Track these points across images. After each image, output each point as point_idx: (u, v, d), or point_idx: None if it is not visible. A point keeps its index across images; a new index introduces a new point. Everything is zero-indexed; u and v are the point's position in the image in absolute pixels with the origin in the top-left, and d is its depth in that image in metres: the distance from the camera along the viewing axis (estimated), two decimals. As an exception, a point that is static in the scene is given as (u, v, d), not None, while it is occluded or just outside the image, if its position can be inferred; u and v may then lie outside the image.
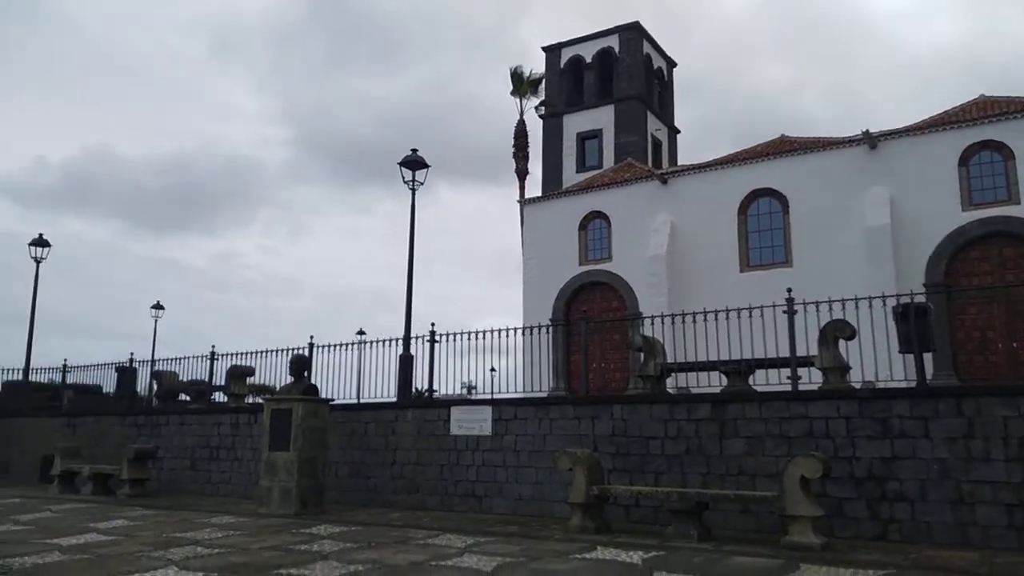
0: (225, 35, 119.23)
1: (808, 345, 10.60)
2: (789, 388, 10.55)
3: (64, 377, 19.45)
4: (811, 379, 10.60)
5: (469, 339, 13.19)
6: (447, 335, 13.56)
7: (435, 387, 13.97)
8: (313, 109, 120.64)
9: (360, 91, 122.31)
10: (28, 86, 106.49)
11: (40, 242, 20.41)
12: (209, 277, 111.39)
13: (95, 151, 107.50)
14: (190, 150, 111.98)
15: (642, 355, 11.99)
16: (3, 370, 21.84)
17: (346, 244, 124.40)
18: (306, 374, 13.20)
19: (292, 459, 11.91)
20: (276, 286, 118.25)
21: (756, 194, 26.15)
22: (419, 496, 12.55)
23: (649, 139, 35.21)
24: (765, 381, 11.06)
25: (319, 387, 13.20)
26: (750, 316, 10.86)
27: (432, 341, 13.60)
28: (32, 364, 20.60)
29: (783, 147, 26.63)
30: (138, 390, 18.84)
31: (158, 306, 29.73)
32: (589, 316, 14.10)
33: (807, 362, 10.61)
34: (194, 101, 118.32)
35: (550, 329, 14.36)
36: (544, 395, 13.51)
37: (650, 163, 33.46)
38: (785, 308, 10.80)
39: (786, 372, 10.79)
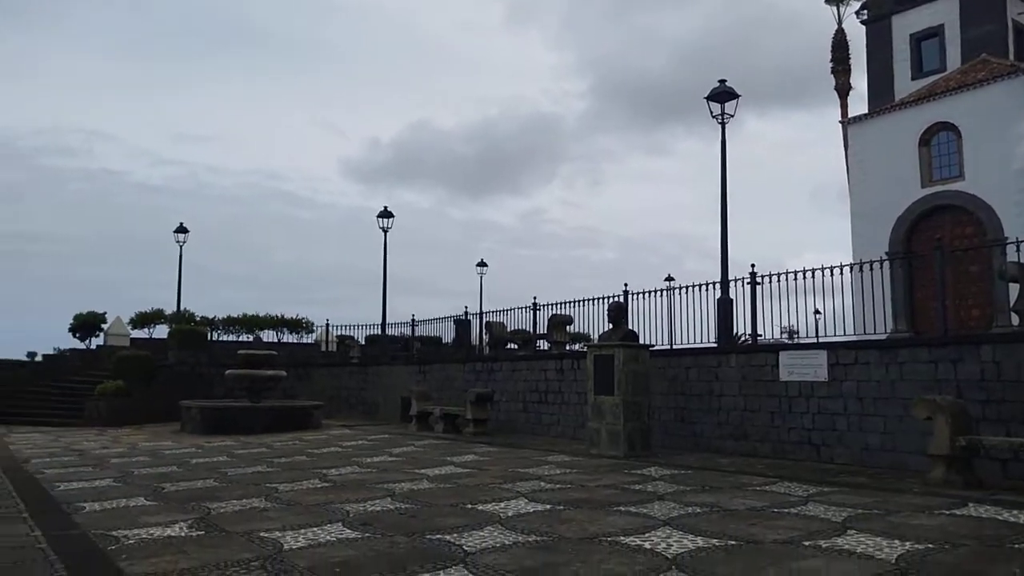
0: (517, 1, 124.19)
1: None
2: None
3: (413, 330, 22.06)
4: None
5: (795, 279, 12.26)
6: (768, 276, 12.74)
7: (757, 331, 13.27)
8: (607, 56, 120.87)
9: (653, 30, 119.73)
10: (361, 77, 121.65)
11: (385, 214, 23.26)
12: (519, 234, 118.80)
13: (417, 128, 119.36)
14: (495, 116, 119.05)
15: (1016, 286, 10.10)
16: (366, 325, 25.55)
17: (645, 189, 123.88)
18: (623, 321, 13.31)
19: (617, 403, 12.14)
20: (579, 238, 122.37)
21: None
22: (748, 443, 12.07)
23: (1010, 26, 29.03)
24: None
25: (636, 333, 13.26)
26: None
27: (753, 283, 12.88)
28: (387, 320, 23.65)
29: None
30: (472, 340, 20.72)
31: (482, 263, 32.44)
32: (941, 244, 12.26)
33: None
34: (494, 69, 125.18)
35: (891, 263, 12.78)
36: (883, 337, 12.12)
37: (1012, 56, 27.79)
38: None
39: None
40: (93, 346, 27.06)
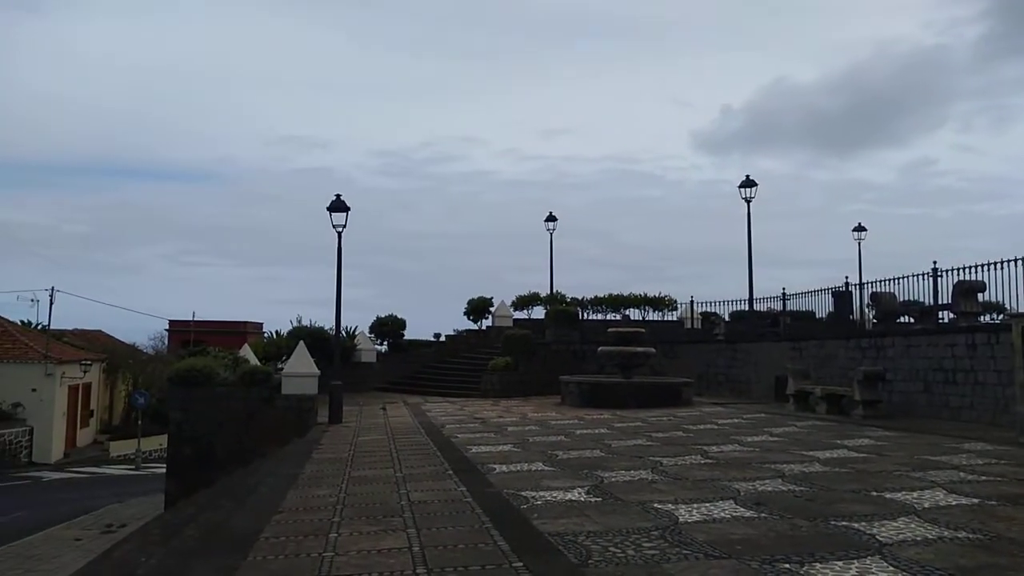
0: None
1: None
2: None
3: (784, 304, 20.86)
4: None
5: None
6: None
7: None
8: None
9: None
10: (707, 44, 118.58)
11: (747, 183, 22.26)
12: (898, 192, 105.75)
13: (772, 88, 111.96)
14: (863, 61, 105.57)
15: None
16: (729, 301, 24.86)
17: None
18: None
19: (1056, 383, 10.04)
20: (979, 190, 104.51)
21: None
22: None
23: None
24: None
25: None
26: None
27: None
28: (753, 294, 22.64)
29: None
30: (853, 313, 18.90)
31: (860, 228, 29.38)
32: None
33: None
34: (861, 10, 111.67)
35: None
36: None
37: None
38: None
39: None
40: (483, 327, 30.44)
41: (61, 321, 44.74)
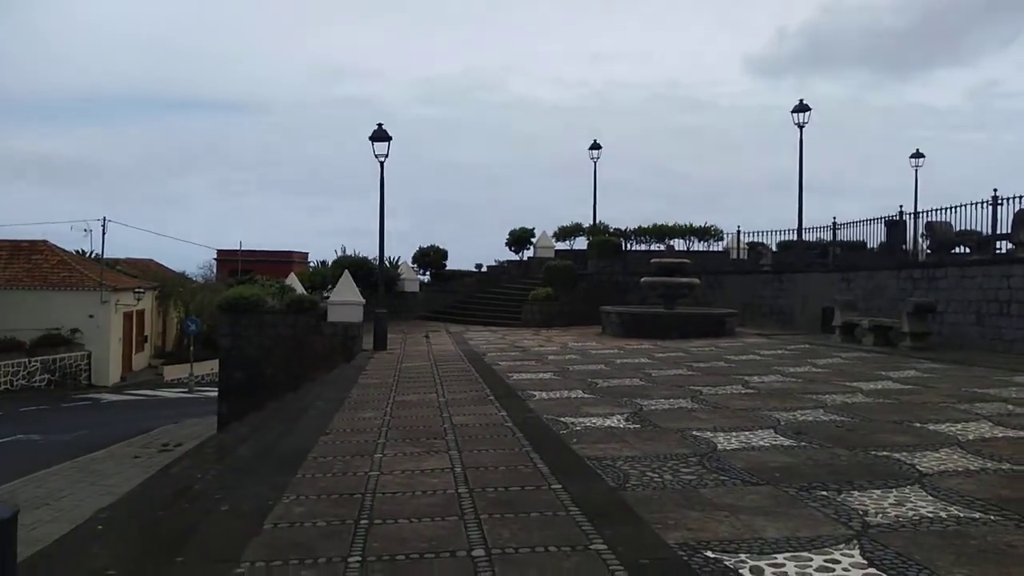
0: None
1: None
2: None
3: (834, 234, 20.38)
4: None
5: None
6: None
7: None
8: None
9: None
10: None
11: (800, 107, 21.46)
12: (962, 116, 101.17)
13: (830, 6, 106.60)
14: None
15: None
16: (777, 231, 24.36)
17: None
18: None
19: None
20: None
21: None
22: None
23: None
24: None
25: None
26: None
27: None
28: (802, 224, 22.14)
29: None
30: (905, 243, 18.36)
31: (917, 155, 28.20)
32: None
33: None
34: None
35: None
36: None
37: None
38: None
39: None
40: (524, 258, 30.44)
41: (113, 251, 46.02)
